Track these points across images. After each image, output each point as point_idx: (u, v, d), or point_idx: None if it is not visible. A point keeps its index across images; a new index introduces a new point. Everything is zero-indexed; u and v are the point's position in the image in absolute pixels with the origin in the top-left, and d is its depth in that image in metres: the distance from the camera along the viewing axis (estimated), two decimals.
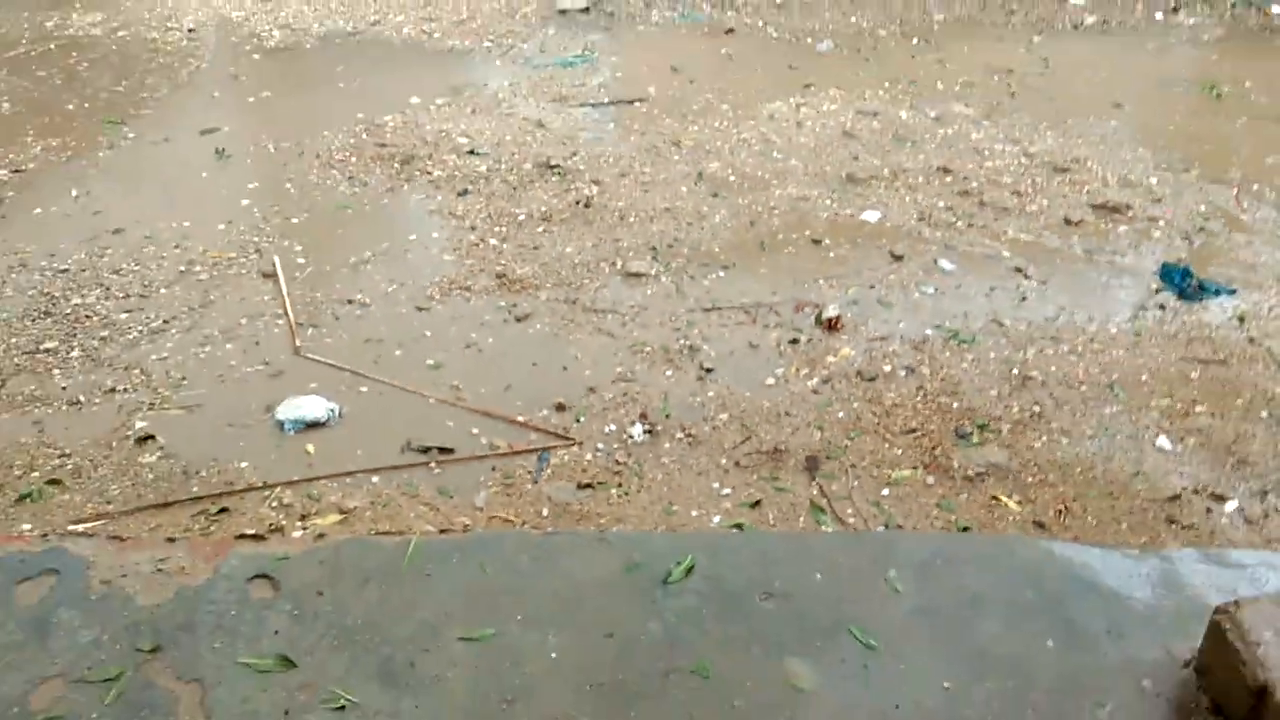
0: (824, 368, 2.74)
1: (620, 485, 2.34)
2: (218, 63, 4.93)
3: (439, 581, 1.94)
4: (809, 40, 5.03)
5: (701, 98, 4.45)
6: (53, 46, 5.09)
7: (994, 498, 2.29)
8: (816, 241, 3.38)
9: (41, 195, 3.78)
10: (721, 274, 3.21)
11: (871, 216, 3.52)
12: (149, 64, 4.92)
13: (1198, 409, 2.56)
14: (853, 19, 5.24)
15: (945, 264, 3.25)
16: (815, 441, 2.47)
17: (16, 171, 3.95)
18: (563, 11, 5.45)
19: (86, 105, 4.49)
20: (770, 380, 2.70)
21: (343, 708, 1.69)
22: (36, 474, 2.38)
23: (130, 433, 2.52)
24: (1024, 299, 3.07)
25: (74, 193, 3.79)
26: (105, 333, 2.95)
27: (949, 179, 3.75)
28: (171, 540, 2.06)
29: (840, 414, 2.57)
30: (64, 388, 2.70)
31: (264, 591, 1.92)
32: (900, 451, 2.44)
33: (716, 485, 2.34)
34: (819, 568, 1.96)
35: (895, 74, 4.60)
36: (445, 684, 1.73)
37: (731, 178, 3.80)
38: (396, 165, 3.94)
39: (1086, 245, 3.37)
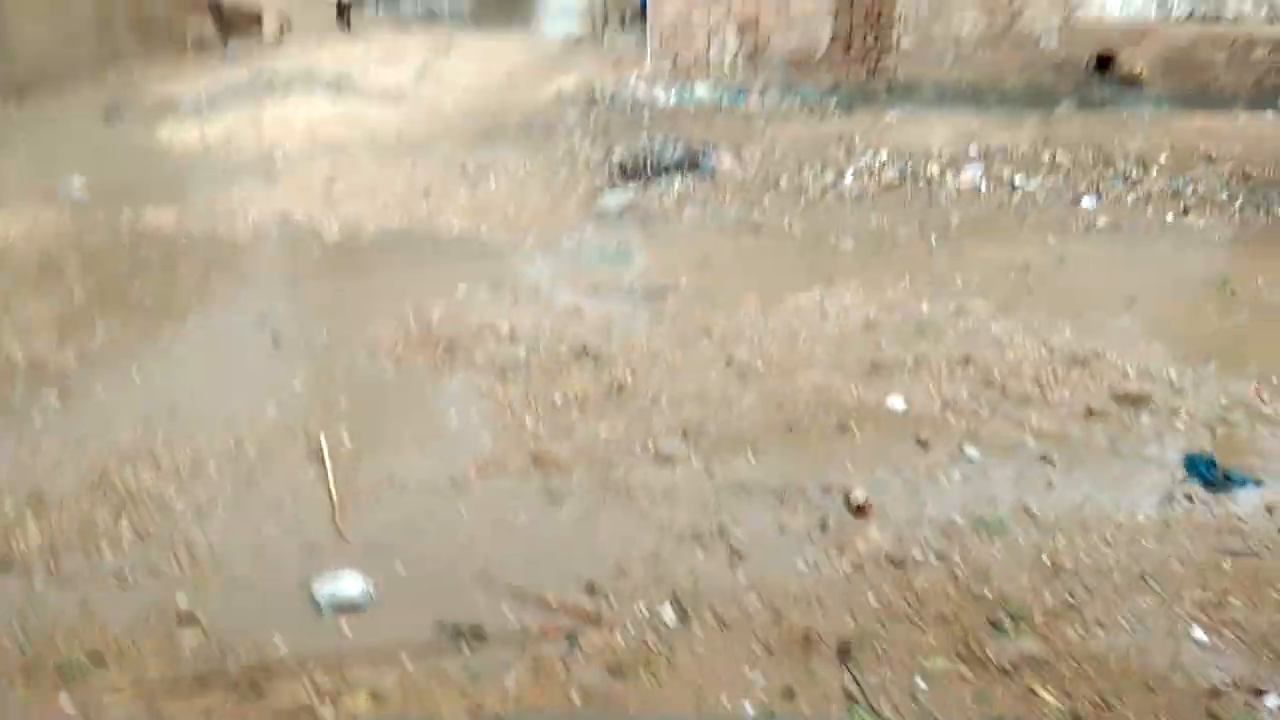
0: (854, 552, 2.77)
1: (650, 669, 2.34)
2: (278, 257, 5.29)
3: None
4: (831, 238, 5.31)
5: (730, 289, 4.68)
6: (126, 240, 5.49)
7: (1031, 690, 2.26)
8: (843, 427, 3.47)
9: (104, 378, 3.99)
10: (750, 457, 3.29)
11: (896, 403, 3.62)
12: (214, 257, 5.28)
13: (1232, 600, 2.54)
14: (872, 219, 5.55)
15: (971, 451, 3.32)
16: (847, 628, 2.47)
17: (83, 356, 4.19)
18: (602, 211, 5.82)
19: (153, 294, 4.80)
20: (800, 564, 2.72)
21: None
22: (78, 647, 2.43)
23: (172, 610, 2.57)
24: (1051, 487, 3.11)
25: (135, 376, 4.00)
26: (155, 510, 3.06)
27: (971, 369, 3.87)
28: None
29: (872, 600, 2.58)
30: (112, 564, 2.79)
31: None
32: (934, 640, 2.43)
33: (748, 671, 2.33)
34: None
35: (915, 270, 4.83)
36: None
37: (759, 364, 3.94)
38: (441, 351, 4.14)
39: (1110, 435, 3.43)
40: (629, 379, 3.85)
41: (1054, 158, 6.42)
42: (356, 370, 4.02)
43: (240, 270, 5.13)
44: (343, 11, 10.74)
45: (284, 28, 11.40)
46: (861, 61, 8.16)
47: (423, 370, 4.01)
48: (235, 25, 11.21)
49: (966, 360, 3.93)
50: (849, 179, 6.16)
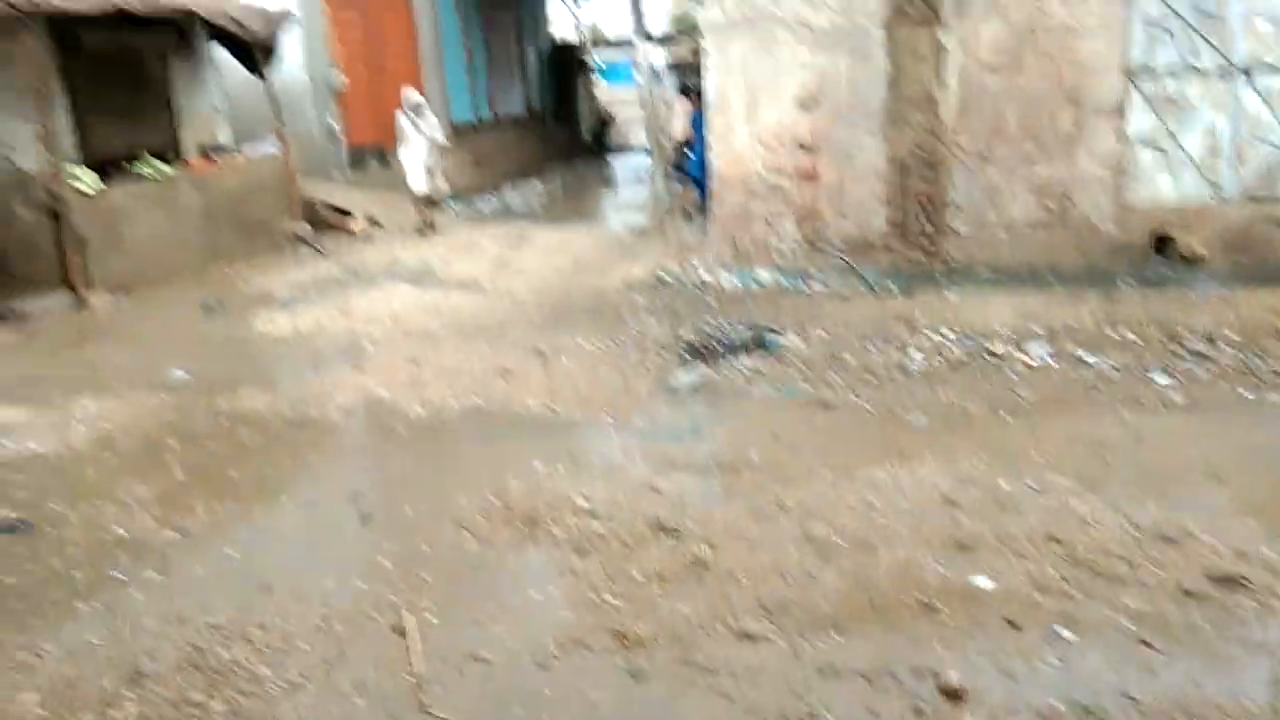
0: None
1: None
2: (366, 436, 5.51)
3: None
4: (902, 414, 5.38)
5: (803, 465, 4.73)
6: (224, 424, 5.79)
7: None
8: (929, 606, 3.43)
9: (202, 555, 4.15)
10: (835, 636, 3.25)
11: (983, 583, 3.57)
12: (306, 437, 5.53)
13: None
14: (941, 396, 5.61)
15: (1065, 633, 3.24)
16: None
17: (182, 533, 4.37)
18: (673, 389, 6.00)
19: (249, 474, 5.02)
20: None
21: None
22: None
23: None
24: (1152, 671, 3.01)
25: (231, 553, 4.15)
26: (248, 686, 3.11)
27: (1056, 547, 3.81)
28: None
29: None
30: None
31: None
32: None
33: None
34: None
35: (989, 446, 4.84)
36: None
37: (837, 540, 3.94)
38: (521, 526, 4.23)
39: (1209, 617, 3.32)
40: (708, 554, 3.88)
41: (1120, 334, 6.49)
42: (441, 545, 4.11)
43: (330, 450, 5.36)
44: (424, 213, 11.32)
45: (371, 226, 12.24)
46: (917, 245, 8.45)
47: (504, 545, 4.09)
48: (327, 224, 12.08)
49: (1051, 537, 3.88)
50: (915, 356, 6.28)
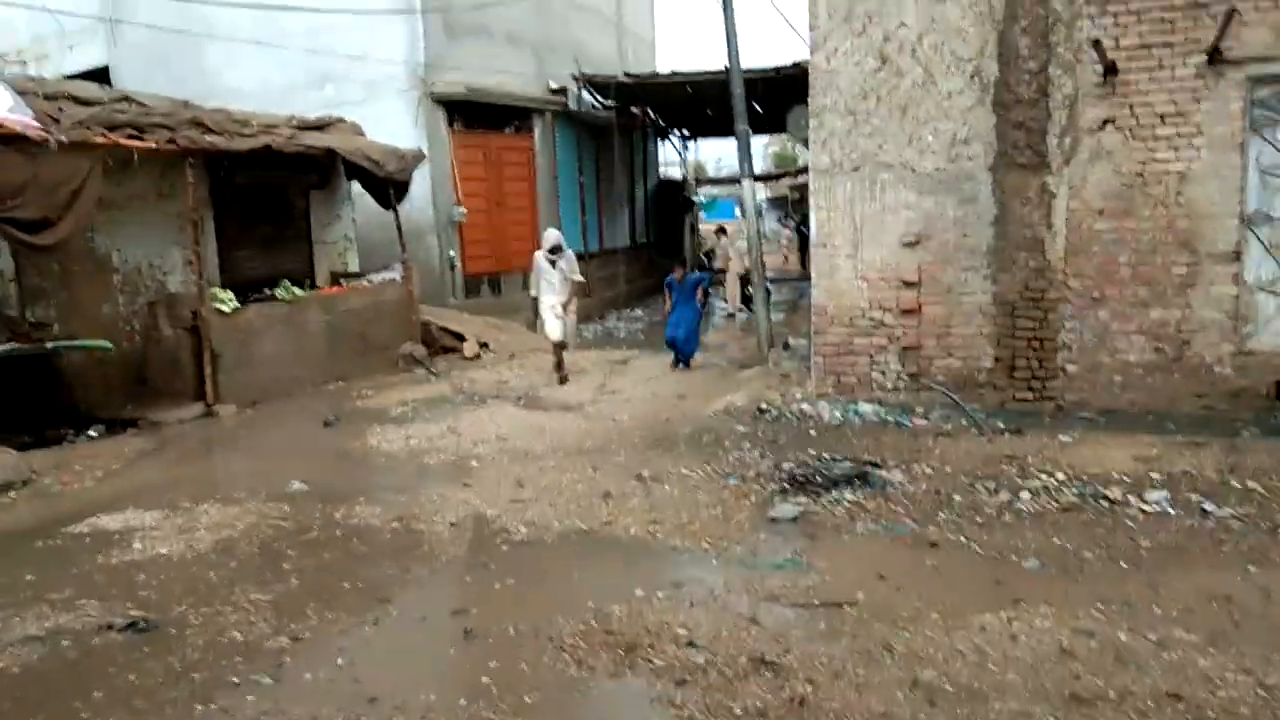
0: None
1: None
2: (472, 552, 5.64)
3: None
4: (1014, 557, 5.23)
5: (910, 605, 4.63)
6: (338, 534, 6.02)
7: None
8: None
9: (312, 662, 4.28)
10: None
11: None
12: (415, 551, 5.69)
13: None
14: (1055, 540, 5.44)
15: None
16: None
17: (295, 639, 4.52)
18: (773, 520, 5.98)
19: (360, 584, 5.18)
20: None
21: None
22: None
23: None
24: None
25: (340, 661, 4.27)
26: None
27: (1181, 707, 3.61)
28: None
29: None
30: None
31: None
32: None
33: None
34: None
35: (1106, 595, 4.65)
36: None
37: (948, 687, 3.82)
38: (620, 652, 4.23)
39: None
40: (810, 693, 3.80)
41: (1243, 484, 6.21)
42: (540, 667, 4.14)
43: (436, 564, 5.49)
44: (560, 361, 11.06)
45: (482, 349, 12.75)
46: (1026, 385, 8.34)
47: (603, 670, 4.09)
48: (441, 347, 12.65)
49: (1174, 695, 3.68)
50: (1025, 498, 6.12)
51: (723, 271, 19.26)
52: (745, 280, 13.10)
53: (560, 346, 11.04)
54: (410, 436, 8.55)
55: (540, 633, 4.46)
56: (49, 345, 8.64)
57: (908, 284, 8.67)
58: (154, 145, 9.19)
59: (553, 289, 10.98)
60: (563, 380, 10.91)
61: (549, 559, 5.53)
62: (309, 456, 8.04)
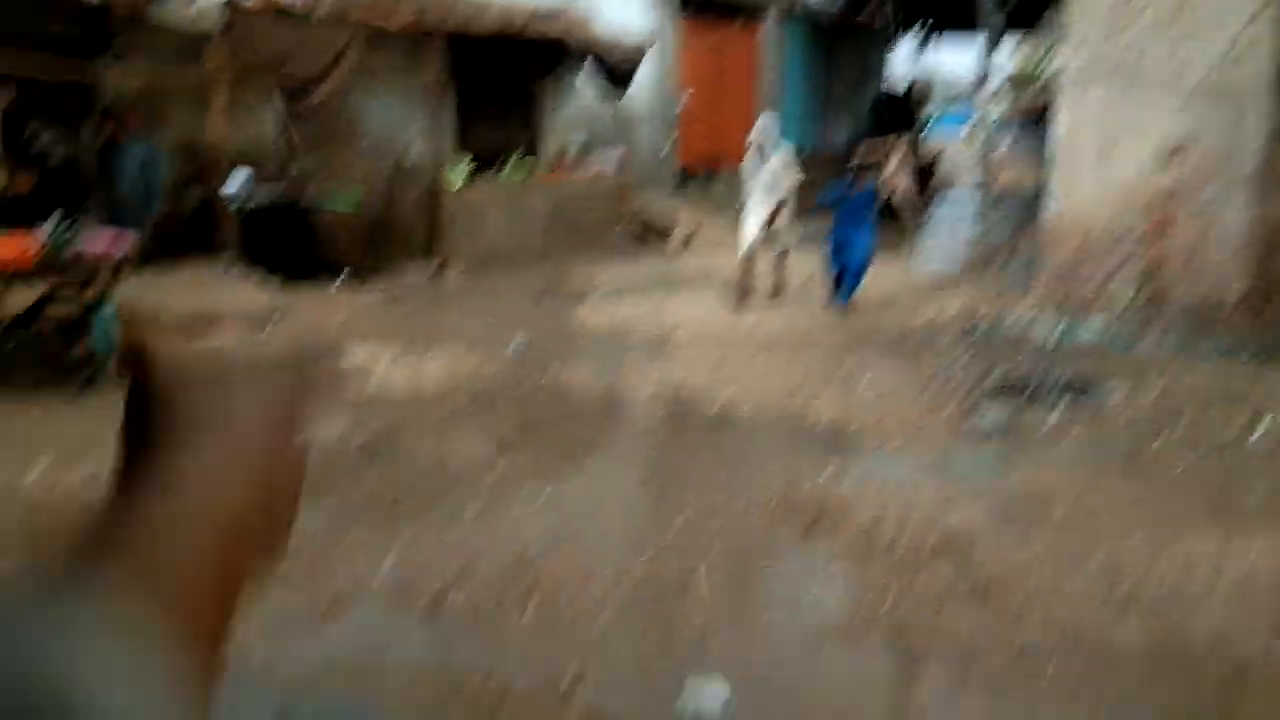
0: None
1: None
2: (669, 423, 5.89)
3: None
4: (1235, 492, 4.89)
5: (1113, 524, 4.46)
6: (545, 392, 6.43)
7: None
8: (1239, 680, 3.14)
9: (519, 496, 4.67)
10: (1127, 683, 3.08)
11: None
12: (616, 416, 6.02)
13: None
14: None
15: None
16: None
17: (505, 476, 4.93)
18: (977, 425, 5.85)
19: (564, 439, 5.53)
20: None
21: None
22: (484, 695, 2.83)
23: (560, 679, 2.92)
24: None
25: (544, 501, 4.62)
26: (551, 604, 3.50)
27: None
28: None
29: None
30: (515, 633, 3.23)
31: None
32: None
33: None
34: None
35: None
36: None
37: (1145, 599, 3.70)
38: (807, 524, 4.36)
39: None
40: (995, 587, 3.79)
41: None
42: (728, 528, 4.34)
43: (635, 429, 5.79)
44: (747, 280, 9.31)
45: (690, 238, 12.91)
46: (1276, 319, 7.58)
47: (789, 536, 4.24)
48: (651, 233, 12.91)
49: None
50: (1260, 433, 5.67)
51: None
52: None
53: (749, 262, 9.33)
54: (616, 314, 8.89)
55: (727, 497, 4.65)
56: (309, 202, 9.53)
57: (1155, 203, 8.00)
58: (405, 21, 9.75)
59: (763, 192, 9.35)
60: (744, 297, 9.21)
61: (742, 437, 5.69)
62: (524, 322, 8.53)
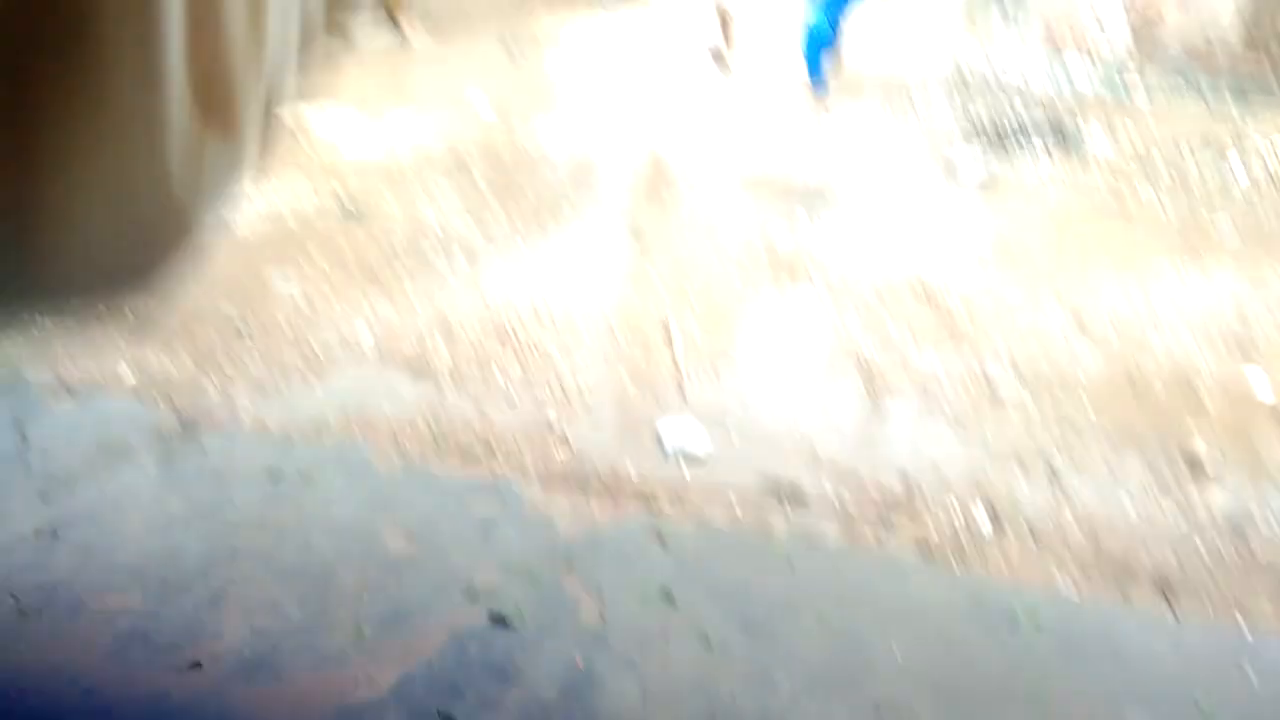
0: (1186, 504, 2.71)
1: (961, 560, 2.48)
2: (649, 185, 5.83)
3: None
4: (1207, 226, 4.95)
5: (1088, 261, 4.54)
6: (524, 156, 6.29)
7: None
8: (1194, 400, 3.33)
9: (503, 255, 4.68)
10: (1085, 402, 3.26)
11: (1264, 394, 3.39)
12: (595, 177, 5.92)
13: None
14: (1259, 213, 5.06)
15: None
16: (1170, 568, 2.45)
17: (487, 234, 4.91)
18: (951, 171, 5.80)
19: (544, 200, 5.46)
20: (1127, 502, 2.72)
21: None
22: (475, 437, 2.99)
23: (545, 424, 3.08)
24: None
25: (528, 256, 4.65)
26: (536, 352, 3.62)
27: None
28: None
29: (1202, 551, 2.52)
30: (501, 385, 3.36)
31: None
32: (1269, 605, 2.35)
33: (1059, 579, 2.40)
34: None
35: None
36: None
37: (1109, 326, 3.84)
38: (783, 272, 4.42)
39: None
40: (967, 326, 3.91)
41: None
42: (709, 278, 4.40)
43: (615, 191, 5.72)
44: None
45: None
46: (1271, 57, 7.35)
47: (765, 283, 4.32)
48: None
49: None
50: (1237, 170, 5.65)
51: None
52: None
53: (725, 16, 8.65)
54: (586, 66, 8.55)
55: (709, 251, 4.68)
56: None
57: None
58: None
59: None
60: (718, 58, 8.50)
61: (721, 194, 5.63)
62: (493, 78, 8.20)
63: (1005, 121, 6.67)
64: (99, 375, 3.39)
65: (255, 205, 5.31)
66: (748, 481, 2.78)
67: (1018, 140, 6.26)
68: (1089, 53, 8.02)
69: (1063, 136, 6.25)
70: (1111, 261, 4.48)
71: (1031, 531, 2.55)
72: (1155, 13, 7.70)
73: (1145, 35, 7.77)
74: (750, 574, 2.33)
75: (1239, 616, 2.24)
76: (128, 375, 3.42)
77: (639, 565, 2.31)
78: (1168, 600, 2.30)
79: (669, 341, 3.71)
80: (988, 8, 10.10)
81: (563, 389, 3.32)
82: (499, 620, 2.16)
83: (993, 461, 2.90)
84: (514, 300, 4.10)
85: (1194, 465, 2.85)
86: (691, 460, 2.91)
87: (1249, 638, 2.23)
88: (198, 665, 2.06)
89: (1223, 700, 1.93)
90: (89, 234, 0.55)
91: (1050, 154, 6.05)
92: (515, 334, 3.78)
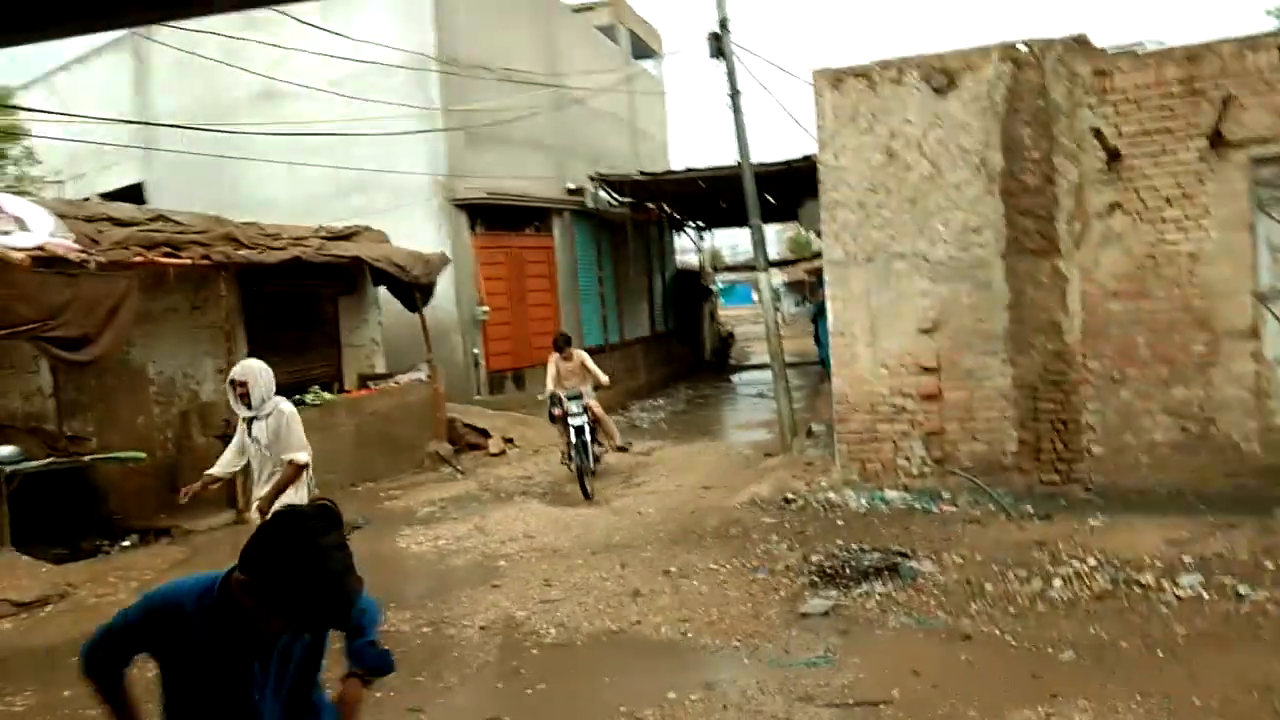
0: None
1: None
2: (502, 657, 5.65)
3: None
4: (1049, 649, 5.17)
5: (946, 703, 4.58)
6: None
7: None
8: None
9: None
10: None
11: None
12: (446, 656, 5.70)
13: None
14: (1091, 630, 5.38)
15: None
16: None
17: None
18: (804, 615, 5.95)
19: (392, 693, 5.17)
20: None
21: None
22: None
23: None
24: None
25: None
26: None
27: None
28: None
29: None
30: None
31: None
32: None
33: None
34: None
35: (1145, 687, 4.59)
36: None
37: None
38: None
39: None
40: None
41: (1278, 565, 6.14)
42: None
43: (468, 670, 5.50)
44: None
45: (507, 445, 12.86)
46: (1052, 467, 8.32)
47: None
48: (467, 444, 12.78)
49: None
50: (1058, 586, 6.07)
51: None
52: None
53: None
54: (438, 537, 8.61)
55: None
56: (85, 459, 8.81)
57: (927, 370, 8.75)
58: (189, 261, 9.54)
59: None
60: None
61: (580, 661, 5.52)
62: None
63: (841, 554, 7.05)
64: None
65: None
66: None
67: (855, 574, 6.57)
68: (898, 473, 8.83)
69: (894, 567, 6.62)
70: (971, 705, 4.54)
71: None
72: (948, 441, 8.68)
73: (943, 460, 8.68)
74: None
75: None
76: None
77: None
78: None
79: None
80: (807, 433, 11.14)
81: None
82: None
83: None
84: None
85: None
86: None
87: None
88: None
89: None
90: None
91: (886, 583, 6.36)
92: None
